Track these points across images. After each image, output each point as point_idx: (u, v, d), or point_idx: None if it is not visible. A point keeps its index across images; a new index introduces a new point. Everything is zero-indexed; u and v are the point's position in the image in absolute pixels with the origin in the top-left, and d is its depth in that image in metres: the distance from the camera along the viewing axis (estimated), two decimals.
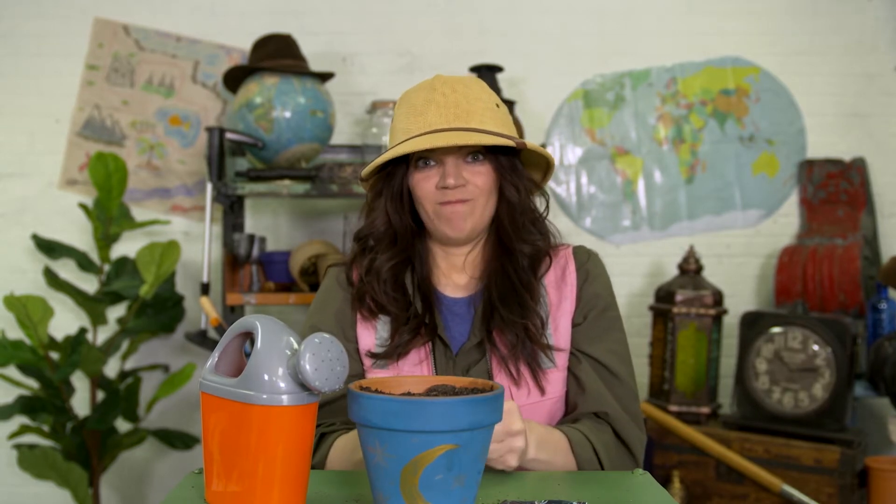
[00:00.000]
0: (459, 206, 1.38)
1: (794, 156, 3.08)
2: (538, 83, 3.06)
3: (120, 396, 2.79)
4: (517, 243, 1.43)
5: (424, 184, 1.39)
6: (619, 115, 3.09)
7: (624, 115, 3.09)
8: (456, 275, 1.47)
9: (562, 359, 1.40)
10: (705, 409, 2.72)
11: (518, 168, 1.43)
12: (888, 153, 3.06)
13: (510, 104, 2.79)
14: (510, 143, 1.35)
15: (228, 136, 2.56)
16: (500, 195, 1.43)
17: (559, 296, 1.43)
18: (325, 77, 2.72)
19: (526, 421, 1.24)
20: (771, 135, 3.08)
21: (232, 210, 2.71)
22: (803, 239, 2.99)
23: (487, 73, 2.78)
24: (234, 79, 2.69)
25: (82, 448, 2.75)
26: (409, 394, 1.03)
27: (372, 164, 1.41)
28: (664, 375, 2.77)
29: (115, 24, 3.03)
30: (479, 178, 1.38)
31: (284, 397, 0.95)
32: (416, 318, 1.40)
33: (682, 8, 3.10)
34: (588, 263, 1.48)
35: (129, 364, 2.98)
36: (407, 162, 1.41)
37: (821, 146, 3.07)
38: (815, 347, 2.55)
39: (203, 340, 2.54)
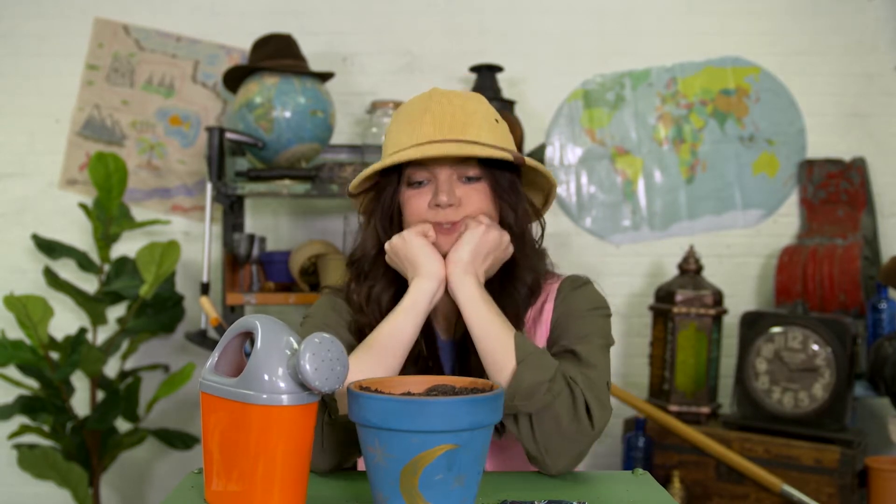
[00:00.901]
0: (452, 233, 1.30)
1: (794, 156, 3.08)
2: (538, 83, 3.06)
3: (120, 396, 2.78)
4: (518, 272, 1.34)
5: (415, 201, 1.31)
6: (619, 115, 3.09)
7: (624, 115, 3.09)
8: (442, 313, 1.38)
9: None
10: (705, 409, 2.72)
11: (518, 189, 1.34)
12: (888, 153, 3.06)
13: (510, 104, 2.79)
14: (507, 156, 1.26)
15: (228, 136, 2.56)
16: (500, 221, 1.33)
17: (534, 330, 1.35)
18: (325, 77, 2.72)
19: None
20: (771, 135, 3.08)
21: (232, 210, 2.70)
22: (803, 239, 2.99)
23: (487, 73, 2.78)
24: (234, 79, 2.69)
25: (82, 448, 2.75)
26: (409, 394, 1.03)
27: (359, 177, 1.32)
28: (664, 375, 2.76)
29: (115, 24, 3.03)
30: (475, 197, 1.30)
31: (284, 397, 0.95)
32: (423, 359, 1.33)
33: (682, 8, 3.10)
34: (568, 293, 1.36)
35: (129, 364, 2.98)
36: (399, 179, 1.32)
37: (821, 146, 3.07)
38: (815, 347, 2.55)
39: (203, 340, 2.54)
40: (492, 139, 1.29)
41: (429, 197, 1.30)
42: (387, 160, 1.28)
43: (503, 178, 1.32)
